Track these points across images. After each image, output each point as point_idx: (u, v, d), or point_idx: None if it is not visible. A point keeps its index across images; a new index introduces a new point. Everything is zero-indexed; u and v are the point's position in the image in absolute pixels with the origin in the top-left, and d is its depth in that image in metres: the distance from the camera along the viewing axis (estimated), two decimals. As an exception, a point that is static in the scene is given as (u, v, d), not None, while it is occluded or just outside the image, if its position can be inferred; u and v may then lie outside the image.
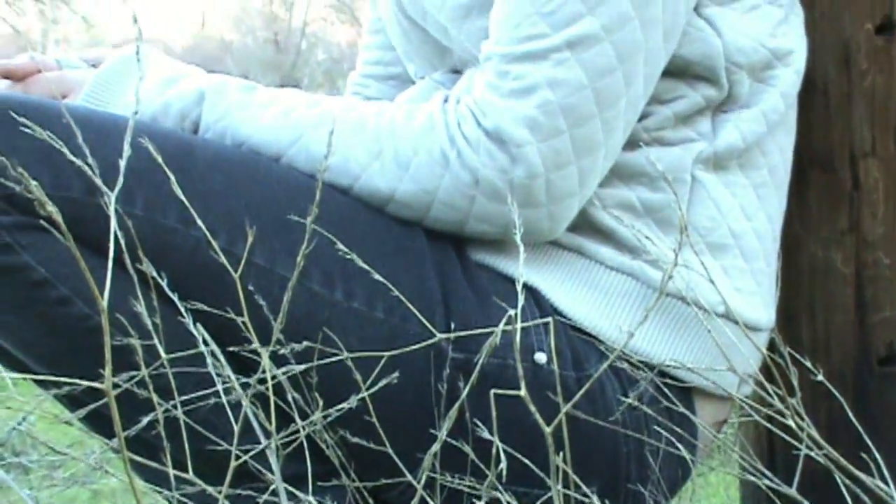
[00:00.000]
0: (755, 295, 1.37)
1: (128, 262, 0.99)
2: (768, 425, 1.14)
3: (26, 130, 0.98)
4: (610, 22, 1.24)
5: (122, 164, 0.92)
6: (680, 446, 1.28)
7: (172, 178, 1.05)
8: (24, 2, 13.95)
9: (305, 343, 1.13)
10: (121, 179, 0.94)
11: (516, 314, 0.88)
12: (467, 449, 1.15)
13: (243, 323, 1.02)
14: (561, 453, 0.88)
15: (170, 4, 11.23)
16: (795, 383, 1.11)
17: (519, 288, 0.92)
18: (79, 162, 0.96)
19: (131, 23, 1.06)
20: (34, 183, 0.78)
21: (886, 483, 1.10)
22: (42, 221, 1.06)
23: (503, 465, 0.89)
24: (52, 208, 0.78)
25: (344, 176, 1.29)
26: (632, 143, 1.32)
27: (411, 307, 1.18)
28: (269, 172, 1.29)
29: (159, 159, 1.05)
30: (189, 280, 1.19)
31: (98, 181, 0.94)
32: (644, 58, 1.27)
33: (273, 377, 1.01)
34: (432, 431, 1.24)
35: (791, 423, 1.09)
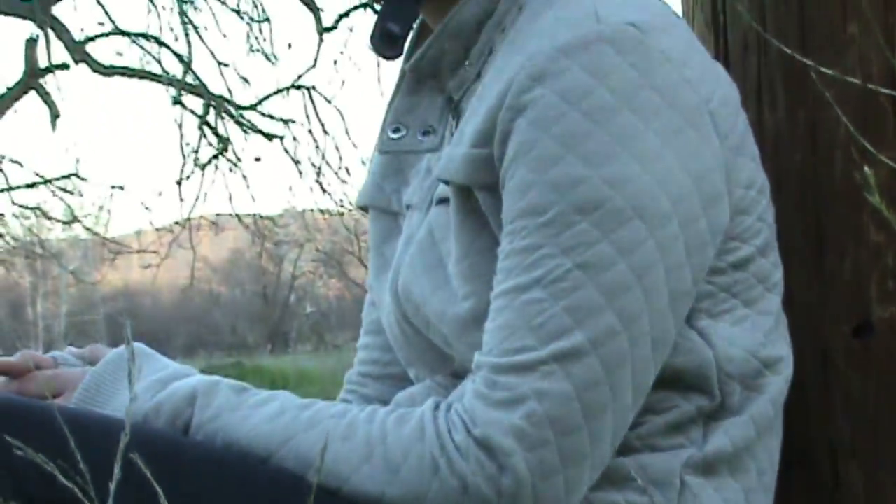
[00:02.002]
0: None
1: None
2: None
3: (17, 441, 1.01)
4: (597, 336, 1.28)
5: (116, 471, 0.94)
6: None
7: (160, 491, 1.07)
8: (14, 256, 14.12)
9: None
10: (113, 486, 0.96)
11: None
12: None
13: None
14: None
15: (160, 257, 11.34)
16: None
17: None
18: (71, 484, 0.98)
19: (124, 331, 1.09)
20: None
21: None
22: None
23: None
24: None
25: (333, 478, 1.31)
26: (622, 449, 1.34)
27: None
28: (258, 475, 1.31)
29: (148, 473, 1.06)
30: None
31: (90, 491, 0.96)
32: (632, 370, 1.29)
33: None
34: None
35: None
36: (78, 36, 10.31)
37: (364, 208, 1.60)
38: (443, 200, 1.42)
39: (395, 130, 1.46)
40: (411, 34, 1.49)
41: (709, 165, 1.32)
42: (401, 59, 1.48)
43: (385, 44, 1.43)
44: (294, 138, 10.54)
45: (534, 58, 1.31)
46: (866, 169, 0.90)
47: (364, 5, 9.50)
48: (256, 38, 10.30)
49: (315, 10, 9.98)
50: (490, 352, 1.30)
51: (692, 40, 1.39)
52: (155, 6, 10.10)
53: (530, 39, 1.34)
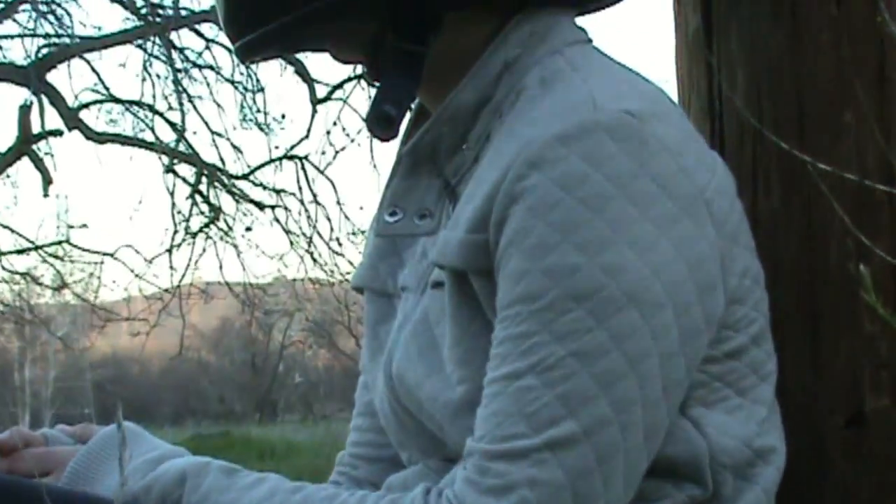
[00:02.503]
0: None
1: None
2: None
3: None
4: (590, 425, 1.27)
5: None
6: None
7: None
8: (3, 321, 14.08)
9: None
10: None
11: None
12: None
13: None
14: None
15: (149, 325, 11.34)
16: None
17: None
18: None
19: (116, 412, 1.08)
20: None
21: None
22: None
23: None
24: None
25: None
26: None
27: None
28: None
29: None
30: None
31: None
32: (624, 459, 1.29)
33: None
34: None
35: None
36: (72, 103, 10.35)
37: (360, 289, 1.60)
38: (438, 284, 1.42)
39: (392, 213, 1.46)
40: (407, 116, 1.49)
41: (704, 254, 1.32)
42: (397, 140, 1.49)
43: (381, 125, 1.43)
44: (286, 208, 10.59)
45: (531, 145, 1.31)
46: (861, 267, 0.90)
47: (358, 77, 9.55)
48: (250, 107, 10.35)
49: (309, 81, 10.04)
50: (482, 438, 1.29)
51: (688, 128, 1.39)
52: (149, 74, 10.16)
53: (527, 126, 1.34)
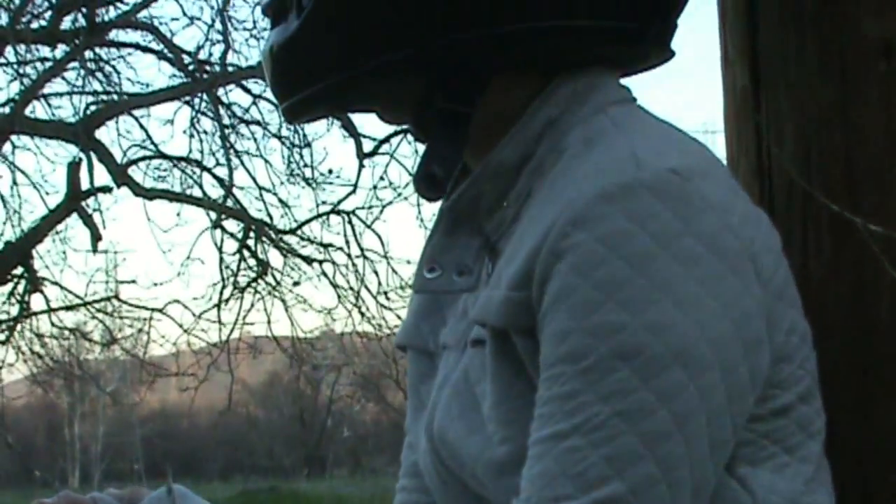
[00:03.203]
0: None
1: None
2: None
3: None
4: (637, 485, 1.25)
5: None
6: None
7: None
8: (53, 377, 14.16)
9: None
10: None
11: None
12: None
13: None
14: None
15: (197, 380, 11.38)
16: None
17: None
18: None
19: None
20: None
21: None
22: None
23: None
24: None
25: None
26: None
27: None
28: None
29: None
30: None
31: None
32: None
33: None
34: None
35: None
36: (120, 159, 10.44)
37: (403, 348, 1.59)
38: (478, 342, 1.41)
39: (431, 270, 1.46)
40: None
41: (750, 312, 1.31)
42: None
43: (428, 186, 1.43)
44: (333, 262, 10.61)
45: (574, 203, 1.30)
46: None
47: (404, 131, 9.59)
48: (297, 162, 10.40)
49: (356, 136, 10.08)
50: (529, 499, 1.28)
51: (733, 185, 1.38)
52: (197, 131, 10.24)
53: (570, 184, 1.34)
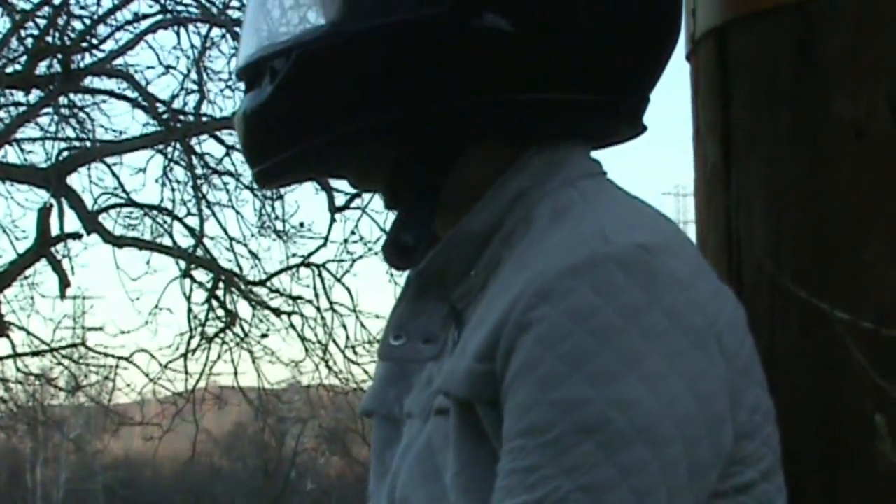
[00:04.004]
0: None
1: None
2: None
3: None
4: None
5: None
6: None
7: None
8: (17, 422, 14.06)
9: None
10: None
11: None
12: None
13: None
14: None
15: (162, 429, 11.31)
16: None
17: None
18: None
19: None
20: None
21: None
22: None
23: None
24: None
25: None
26: None
27: None
28: None
29: None
30: None
31: None
32: None
33: None
34: None
35: None
36: (91, 206, 10.40)
37: (368, 414, 1.58)
38: (442, 411, 1.40)
39: (397, 337, 1.45)
40: None
41: (714, 389, 1.31)
42: None
43: (398, 255, 1.44)
44: (302, 315, 10.58)
45: (541, 276, 1.30)
46: (877, 417, 0.89)
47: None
48: (269, 214, 10.39)
49: (328, 189, 10.08)
50: None
51: (700, 262, 1.38)
52: (169, 180, 10.22)
53: (538, 256, 1.34)
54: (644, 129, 1.51)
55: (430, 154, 1.42)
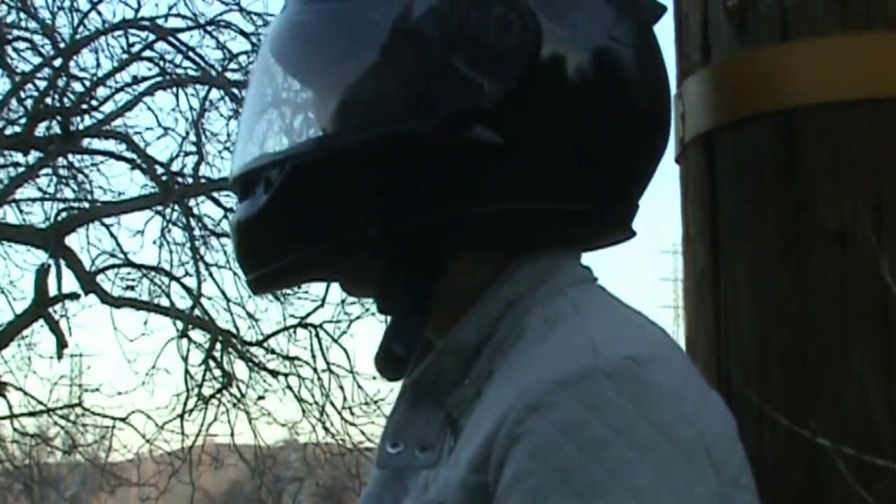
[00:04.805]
0: None
1: None
2: None
3: None
4: None
5: None
6: None
7: None
8: (13, 482, 13.99)
9: None
10: None
11: None
12: None
13: None
14: None
15: (158, 490, 11.25)
16: None
17: None
18: None
19: None
20: None
21: None
22: None
23: None
24: None
25: None
26: None
27: None
28: None
29: None
30: None
31: None
32: None
33: None
34: None
35: None
36: (89, 266, 10.40)
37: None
38: None
39: (394, 445, 1.46)
40: None
41: (703, 500, 1.32)
42: None
43: (389, 366, 1.45)
44: (299, 376, 10.55)
45: (531, 388, 1.32)
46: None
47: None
48: (266, 276, 10.34)
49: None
50: None
51: (689, 371, 1.40)
52: (167, 241, 10.23)
53: (528, 368, 1.35)
54: (633, 233, 1.53)
55: (419, 263, 1.44)
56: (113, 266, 10.59)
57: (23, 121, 10.14)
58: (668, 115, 1.52)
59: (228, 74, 10.00)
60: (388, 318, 1.47)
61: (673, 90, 1.56)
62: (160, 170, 10.17)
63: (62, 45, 9.89)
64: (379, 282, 1.46)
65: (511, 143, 1.39)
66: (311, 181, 1.42)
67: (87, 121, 10.34)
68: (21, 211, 10.58)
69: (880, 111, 1.49)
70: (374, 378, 10.59)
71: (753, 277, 1.55)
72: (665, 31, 1.60)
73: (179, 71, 10.14)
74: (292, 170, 1.41)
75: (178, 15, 9.97)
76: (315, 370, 10.46)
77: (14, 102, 10.16)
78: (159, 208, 10.22)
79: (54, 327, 10.29)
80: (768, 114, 1.55)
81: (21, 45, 10.10)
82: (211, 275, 10.23)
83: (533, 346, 1.38)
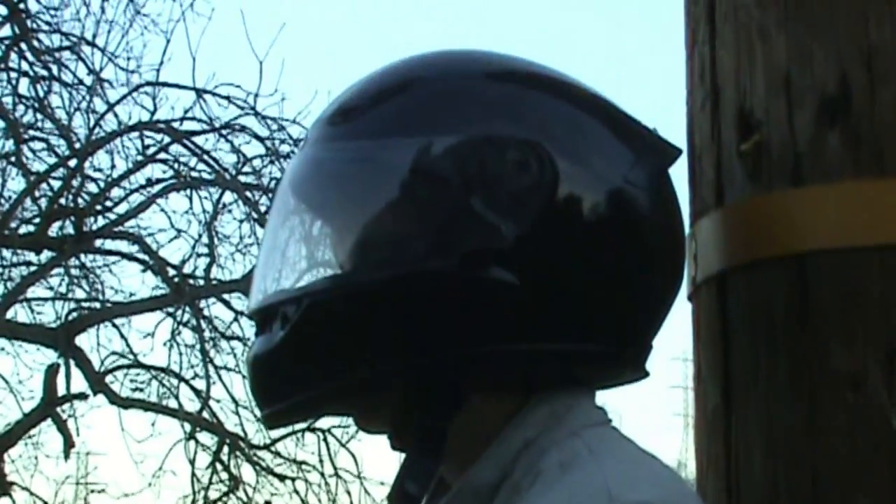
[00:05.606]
0: None
1: None
2: None
3: None
4: None
5: None
6: None
7: None
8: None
9: None
10: None
11: None
12: None
13: None
14: None
15: None
16: None
17: None
18: None
19: None
20: None
21: None
22: None
23: None
24: None
25: None
26: None
27: None
28: None
29: None
30: None
31: None
32: None
33: None
34: None
35: None
36: (98, 366, 10.40)
37: None
38: None
39: None
40: None
41: None
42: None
43: (402, 503, 1.45)
44: (306, 480, 10.50)
45: None
46: None
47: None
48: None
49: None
50: None
51: None
52: (177, 343, 10.23)
53: None
54: (647, 373, 1.54)
55: (433, 402, 1.44)
56: (122, 367, 10.59)
57: (37, 220, 10.19)
58: (683, 258, 1.53)
59: (242, 177, 10.07)
60: (402, 455, 1.47)
61: (686, 229, 1.58)
62: (172, 271, 10.20)
63: (78, 145, 9.97)
64: (394, 420, 1.47)
65: (527, 284, 1.40)
66: (327, 318, 1.42)
67: (101, 221, 10.40)
68: (32, 310, 10.60)
69: (891, 258, 1.51)
70: (382, 483, 10.54)
71: (764, 419, 1.56)
72: (679, 170, 1.62)
73: (193, 173, 10.21)
74: (309, 307, 1.42)
75: (194, 118, 10.03)
76: (322, 475, 10.42)
77: (28, 201, 10.22)
78: (170, 310, 10.23)
79: (62, 427, 10.26)
80: (781, 257, 1.56)
81: (37, 144, 10.20)
82: (220, 377, 10.23)
83: (548, 489, 1.38)
